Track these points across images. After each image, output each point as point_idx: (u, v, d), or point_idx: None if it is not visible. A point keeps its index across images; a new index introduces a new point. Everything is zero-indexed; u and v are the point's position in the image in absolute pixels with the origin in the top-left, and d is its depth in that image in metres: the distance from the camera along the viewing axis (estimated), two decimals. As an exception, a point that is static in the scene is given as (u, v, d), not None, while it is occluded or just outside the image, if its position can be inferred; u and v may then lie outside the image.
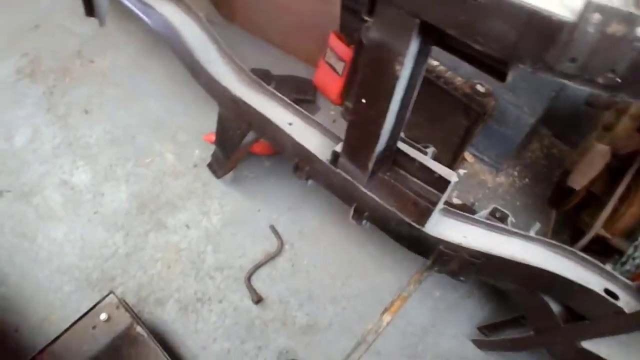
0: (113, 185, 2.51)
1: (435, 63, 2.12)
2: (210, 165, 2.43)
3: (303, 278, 2.28)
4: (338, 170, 1.63)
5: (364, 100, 1.37)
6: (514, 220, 1.71)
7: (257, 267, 2.28)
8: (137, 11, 2.07)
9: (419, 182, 1.59)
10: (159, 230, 2.38)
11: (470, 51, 1.15)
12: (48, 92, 2.82)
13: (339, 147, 1.59)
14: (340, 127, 2.77)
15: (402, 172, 1.66)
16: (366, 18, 1.23)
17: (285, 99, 1.88)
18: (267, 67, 2.89)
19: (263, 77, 2.75)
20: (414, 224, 1.52)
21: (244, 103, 1.82)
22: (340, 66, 2.51)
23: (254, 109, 1.81)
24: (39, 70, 2.92)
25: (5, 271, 2.21)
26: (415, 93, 1.41)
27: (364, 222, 1.69)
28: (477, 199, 2.51)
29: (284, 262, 2.32)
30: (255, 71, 2.79)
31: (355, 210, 1.65)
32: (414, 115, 2.46)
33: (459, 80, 2.17)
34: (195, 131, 2.70)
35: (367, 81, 1.33)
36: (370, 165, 1.50)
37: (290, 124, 1.81)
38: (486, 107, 2.05)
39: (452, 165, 2.39)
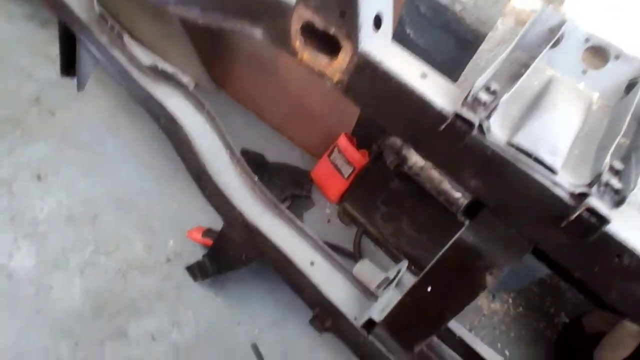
0: (64, 276, 2.07)
1: (457, 195, 2.00)
2: (190, 269, 2.10)
3: (286, 415, 2.00)
4: (371, 339, 1.40)
5: (430, 289, 1.18)
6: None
7: (235, 399, 1.95)
8: (134, 98, 1.75)
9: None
10: (118, 339, 1.98)
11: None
12: (-8, 145, 2.34)
13: (376, 314, 1.37)
14: (335, 228, 2.59)
15: (437, 340, 1.47)
16: (460, 217, 1.06)
17: (306, 228, 1.63)
18: (260, 149, 2.63)
19: (257, 163, 2.50)
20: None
21: (259, 232, 1.56)
22: (347, 169, 2.32)
23: (270, 242, 1.55)
24: (-18, 115, 2.42)
25: None
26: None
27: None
28: (473, 326, 2.39)
29: (266, 393, 2.02)
30: (248, 154, 2.54)
31: (384, 386, 1.43)
32: (421, 235, 2.34)
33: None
34: (171, 216, 2.35)
35: (442, 274, 1.14)
36: (417, 348, 1.30)
37: (312, 263, 1.57)
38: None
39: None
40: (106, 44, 1.78)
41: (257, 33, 1.25)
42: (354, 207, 2.38)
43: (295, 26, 1.13)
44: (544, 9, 1.25)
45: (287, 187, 2.40)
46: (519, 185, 0.91)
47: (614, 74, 1.14)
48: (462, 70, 1.89)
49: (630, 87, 1.11)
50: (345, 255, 2.33)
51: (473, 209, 1.03)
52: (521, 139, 0.91)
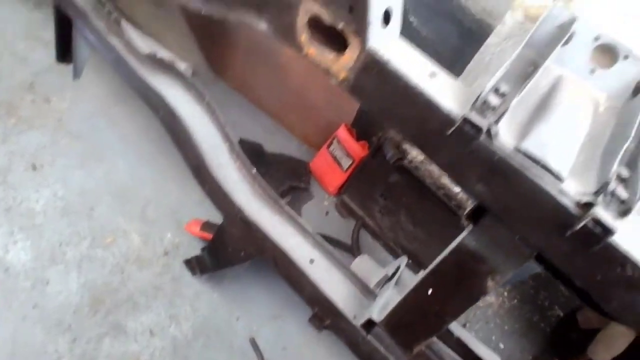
0: (61, 271, 2.05)
1: (456, 190, 1.99)
2: (188, 263, 2.08)
3: (284, 410, 2.01)
4: (370, 339, 1.40)
5: (430, 291, 1.17)
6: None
7: (233, 392, 1.96)
8: (131, 88, 1.71)
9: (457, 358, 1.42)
10: (116, 335, 1.97)
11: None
12: (-15, 134, 2.29)
13: (375, 314, 1.37)
14: (333, 220, 2.58)
15: (435, 339, 1.48)
16: (464, 221, 1.04)
17: (306, 225, 1.62)
18: (257, 139, 2.60)
19: (255, 154, 2.47)
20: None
21: (259, 229, 1.54)
22: (346, 162, 2.30)
23: (270, 239, 1.53)
24: (-25, 102, 2.37)
25: None
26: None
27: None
28: (468, 319, 2.40)
29: (264, 387, 2.03)
30: (245, 143, 2.49)
31: (382, 384, 1.43)
32: (419, 229, 2.33)
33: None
34: (168, 208, 2.33)
35: (443, 278, 1.13)
36: (417, 349, 1.30)
37: (311, 261, 1.56)
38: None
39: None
40: (103, 30, 1.73)
41: (262, 25, 1.21)
42: (352, 199, 2.37)
43: (302, 20, 1.09)
44: (555, 5, 1.22)
45: (285, 178, 2.38)
46: (524, 192, 0.89)
47: (622, 75, 1.12)
48: (465, 61, 1.85)
49: (638, 89, 1.09)
50: (343, 249, 2.33)
51: (477, 214, 1.01)
52: (529, 145, 0.89)
